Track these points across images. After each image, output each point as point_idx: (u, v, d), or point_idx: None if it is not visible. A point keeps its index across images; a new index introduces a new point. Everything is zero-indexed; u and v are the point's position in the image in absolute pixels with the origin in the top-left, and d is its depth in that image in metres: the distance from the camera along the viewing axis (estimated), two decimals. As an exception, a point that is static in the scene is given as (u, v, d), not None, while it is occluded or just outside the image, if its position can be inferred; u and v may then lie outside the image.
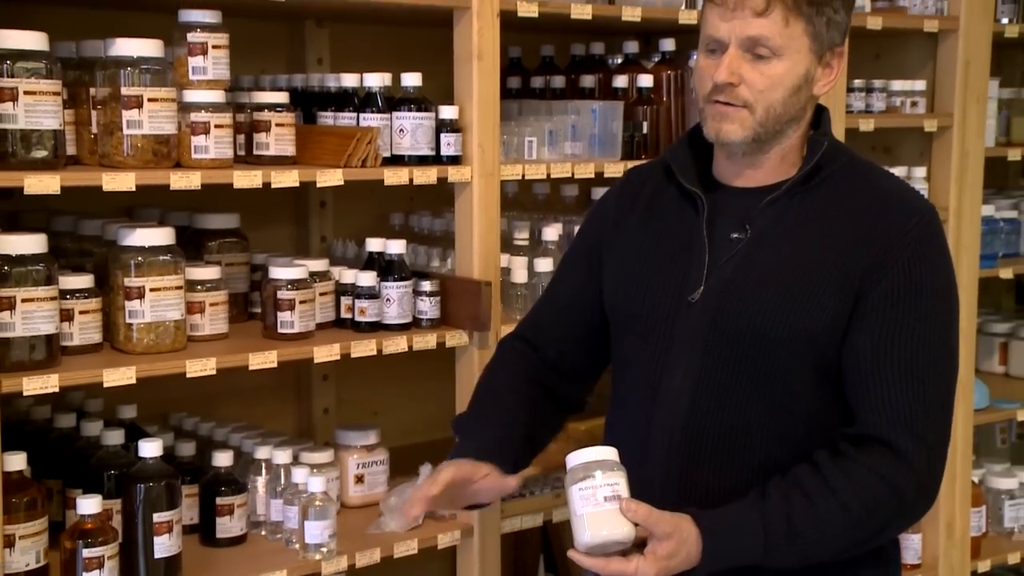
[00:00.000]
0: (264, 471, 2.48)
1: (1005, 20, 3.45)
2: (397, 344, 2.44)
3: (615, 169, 2.67)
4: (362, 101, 2.46)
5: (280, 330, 2.36)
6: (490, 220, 2.52)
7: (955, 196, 3.26)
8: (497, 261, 2.55)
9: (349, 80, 2.50)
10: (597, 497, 1.61)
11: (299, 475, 2.38)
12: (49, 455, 2.33)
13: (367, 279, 2.46)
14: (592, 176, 2.67)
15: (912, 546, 3.28)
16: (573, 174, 2.64)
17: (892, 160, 3.36)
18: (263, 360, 2.27)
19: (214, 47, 2.24)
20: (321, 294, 2.45)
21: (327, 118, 2.50)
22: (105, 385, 2.09)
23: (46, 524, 2.13)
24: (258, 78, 2.67)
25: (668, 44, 2.89)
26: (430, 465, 2.57)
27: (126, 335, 2.20)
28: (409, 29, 2.90)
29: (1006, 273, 3.46)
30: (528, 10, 2.52)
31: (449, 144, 2.46)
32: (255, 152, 2.35)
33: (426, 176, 2.43)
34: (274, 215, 2.85)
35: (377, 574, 2.62)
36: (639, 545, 1.62)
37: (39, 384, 2.02)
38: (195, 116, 2.21)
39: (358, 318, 2.46)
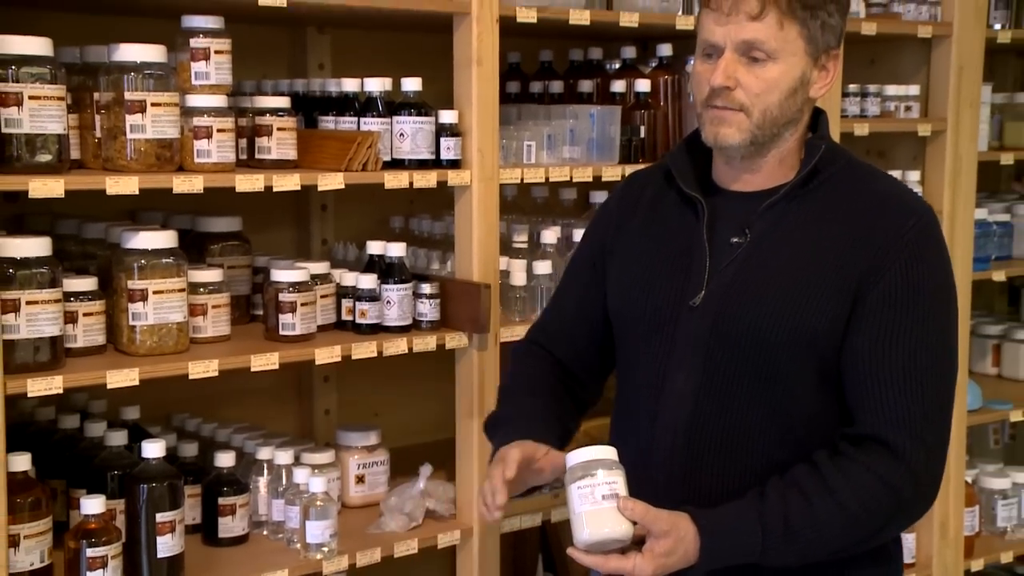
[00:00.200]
0: (266, 471, 2.48)
1: (997, 26, 3.45)
2: (397, 346, 2.43)
3: (613, 173, 2.67)
4: (363, 106, 2.46)
5: (282, 332, 2.36)
6: (489, 223, 2.52)
7: (948, 200, 3.26)
8: (496, 264, 2.54)
9: (350, 85, 2.50)
10: (595, 495, 1.61)
11: (300, 475, 2.38)
12: (53, 456, 2.33)
13: (368, 282, 2.46)
14: (590, 180, 2.67)
15: (906, 545, 3.27)
16: (571, 178, 2.64)
17: (886, 164, 3.36)
18: (265, 362, 2.26)
19: (216, 52, 2.24)
20: (322, 296, 2.45)
21: (328, 122, 2.50)
22: (108, 386, 2.09)
23: (50, 524, 2.13)
24: (260, 83, 2.67)
25: (665, 49, 2.89)
26: (430, 466, 2.58)
27: (129, 337, 2.20)
28: (409, 35, 2.90)
29: (999, 276, 3.46)
30: (527, 16, 2.52)
31: (449, 148, 2.46)
32: (257, 156, 2.35)
33: (426, 180, 2.43)
34: (276, 218, 2.85)
35: (377, 574, 2.62)
36: (638, 543, 1.62)
37: (43, 385, 2.02)
38: (198, 120, 2.20)
39: (359, 320, 2.46)
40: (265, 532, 2.46)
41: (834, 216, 1.72)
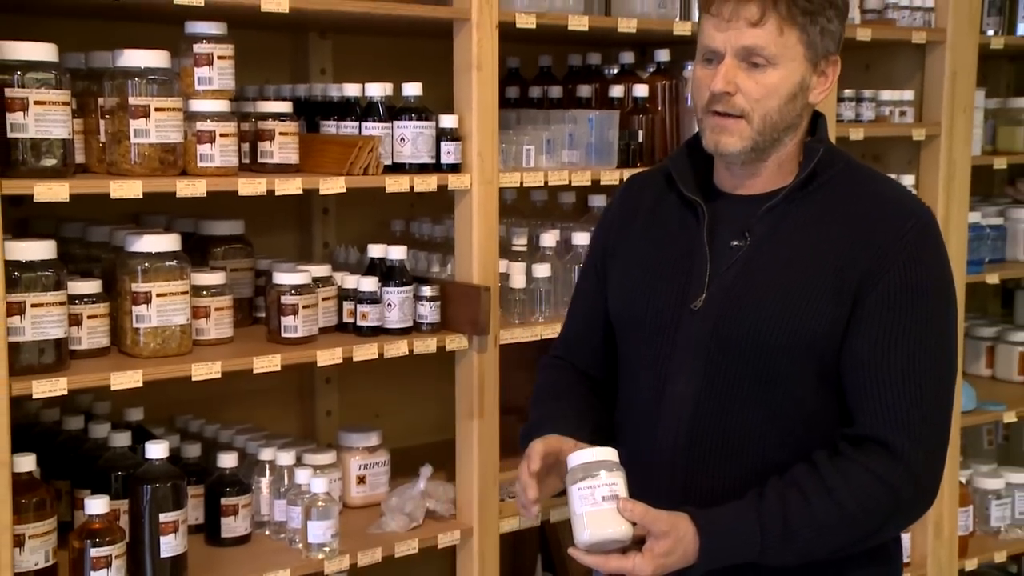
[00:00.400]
0: (268, 472, 2.48)
1: (991, 32, 3.45)
2: (398, 348, 2.43)
3: (611, 177, 2.67)
4: (364, 110, 2.46)
5: (284, 334, 2.36)
6: (489, 227, 2.52)
7: (943, 203, 3.26)
8: (496, 266, 2.54)
9: (351, 90, 2.50)
10: (595, 496, 1.61)
11: (302, 476, 2.38)
12: (58, 456, 2.33)
13: (369, 284, 2.46)
14: (589, 184, 2.67)
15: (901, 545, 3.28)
16: (570, 182, 2.64)
17: (881, 168, 3.32)
18: (267, 364, 2.26)
19: (219, 58, 2.24)
20: (324, 299, 2.45)
21: (330, 127, 2.50)
22: (112, 388, 2.09)
23: (55, 524, 2.13)
24: (262, 88, 2.67)
25: (663, 55, 2.89)
26: (430, 466, 2.58)
27: (133, 339, 2.20)
28: (410, 40, 2.90)
29: (992, 278, 3.46)
30: (526, 21, 2.52)
31: (449, 152, 2.46)
32: (259, 160, 2.35)
33: (426, 184, 2.43)
34: (278, 222, 2.85)
35: (378, 573, 2.62)
36: (638, 543, 1.62)
37: (48, 387, 2.02)
38: (201, 125, 2.21)
39: (360, 322, 2.46)
40: (267, 532, 2.46)
41: (833, 218, 1.71)
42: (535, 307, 2.63)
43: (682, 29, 2.75)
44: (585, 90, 2.89)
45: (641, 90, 2.80)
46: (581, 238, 2.66)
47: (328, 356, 2.34)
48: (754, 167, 1.75)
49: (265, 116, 2.35)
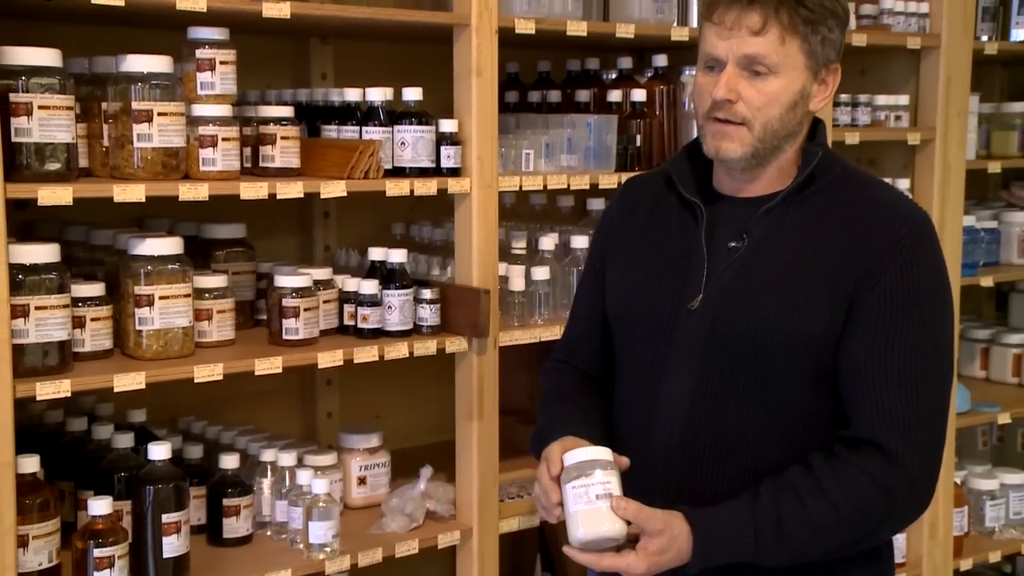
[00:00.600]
0: (269, 473, 2.48)
1: (985, 38, 3.45)
2: (398, 350, 2.43)
3: (610, 181, 2.67)
4: (365, 115, 2.46)
5: (285, 336, 2.36)
6: (488, 230, 2.52)
7: (938, 207, 3.26)
8: (495, 270, 2.54)
9: (352, 95, 2.50)
10: (589, 495, 1.61)
11: (303, 477, 2.38)
12: (61, 458, 2.33)
13: (369, 287, 2.46)
14: (587, 188, 2.67)
15: (896, 545, 3.28)
16: (569, 185, 2.64)
17: (876, 172, 3.36)
18: (269, 366, 2.26)
19: (222, 63, 2.24)
20: (325, 302, 2.45)
21: (331, 131, 2.50)
22: (116, 390, 2.09)
23: (58, 525, 2.13)
24: (264, 93, 2.67)
25: (661, 60, 2.89)
26: (431, 467, 2.58)
27: (136, 341, 2.20)
28: (410, 46, 2.90)
29: (987, 281, 3.46)
30: (525, 27, 2.52)
31: (449, 156, 2.46)
32: (261, 164, 2.35)
33: (426, 187, 2.43)
34: (279, 225, 2.85)
35: (379, 574, 2.62)
36: (633, 541, 1.62)
37: (52, 389, 2.02)
38: (203, 129, 2.20)
39: (361, 325, 2.45)
40: (269, 533, 2.46)
41: (831, 222, 1.71)
42: (534, 309, 2.63)
43: (680, 35, 2.75)
44: (584, 95, 2.89)
45: (639, 95, 2.80)
46: (580, 241, 2.66)
47: (329, 358, 2.34)
48: (754, 172, 1.75)
49: (267, 120, 2.35)
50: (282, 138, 2.34)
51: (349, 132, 2.46)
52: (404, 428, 3.01)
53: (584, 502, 1.61)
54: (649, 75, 2.92)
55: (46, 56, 2.02)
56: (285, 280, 2.38)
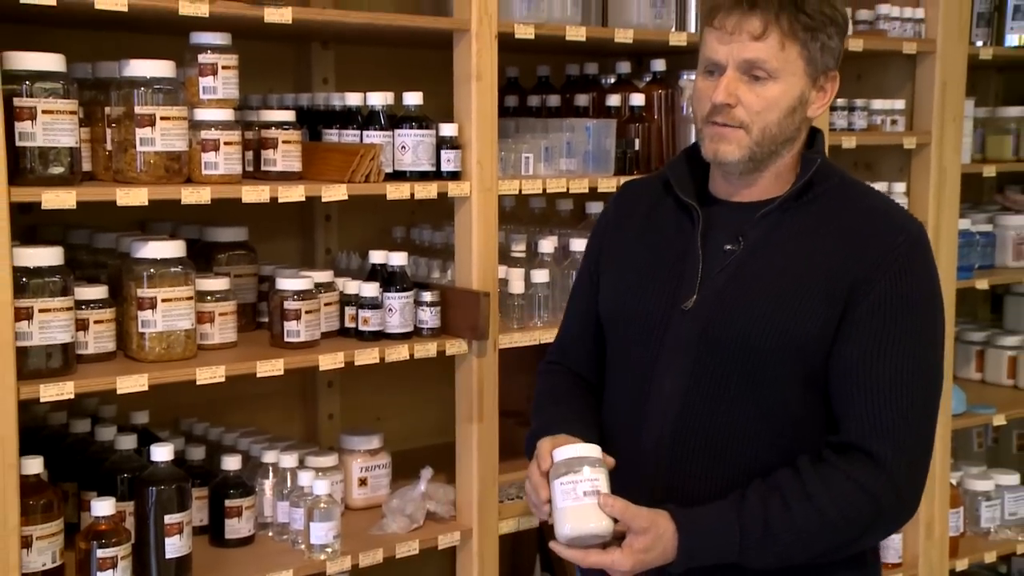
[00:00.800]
0: (271, 474, 2.48)
1: (980, 43, 3.45)
2: (399, 352, 2.43)
3: (608, 184, 2.67)
4: (365, 119, 2.46)
5: (287, 339, 2.36)
6: (488, 233, 2.52)
7: (933, 211, 3.26)
8: (495, 272, 2.54)
9: (353, 99, 2.50)
10: (577, 492, 1.61)
11: (305, 478, 2.38)
12: (65, 459, 2.33)
13: (370, 290, 2.46)
14: (586, 191, 2.67)
15: (893, 545, 3.28)
16: (568, 189, 2.64)
17: (873, 176, 3.36)
18: (270, 368, 2.26)
19: (224, 68, 2.24)
20: (326, 304, 2.45)
21: (332, 135, 2.50)
22: (119, 392, 2.09)
23: (62, 525, 2.13)
24: (266, 97, 2.67)
25: (659, 64, 2.89)
26: (431, 469, 2.57)
27: (139, 344, 2.20)
28: (411, 50, 2.90)
29: (982, 284, 3.46)
30: (525, 32, 2.52)
31: (449, 160, 2.46)
32: (263, 168, 2.35)
33: (427, 191, 2.43)
34: (281, 228, 2.85)
35: (380, 574, 2.62)
36: (619, 538, 1.62)
37: (55, 391, 2.02)
38: (205, 134, 2.20)
39: (361, 327, 2.45)
40: (270, 533, 2.46)
41: (827, 229, 1.71)
42: (534, 312, 2.63)
43: (678, 40, 2.75)
44: (583, 99, 2.89)
45: (637, 99, 2.80)
46: (579, 244, 2.66)
47: (330, 360, 2.34)
48: (751, 177, 1.75)
49: (268, 125, 2.35)
50: (284, 142, 2.34)
51: (350, 136, 2.46)
52: (404, 430, 3.01)
53: (572, 499, 1.61)
54: (647, 80, 2.92)
55: (50, 61, 2.02)
56: (286, 283, 2.38)
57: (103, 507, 2.08)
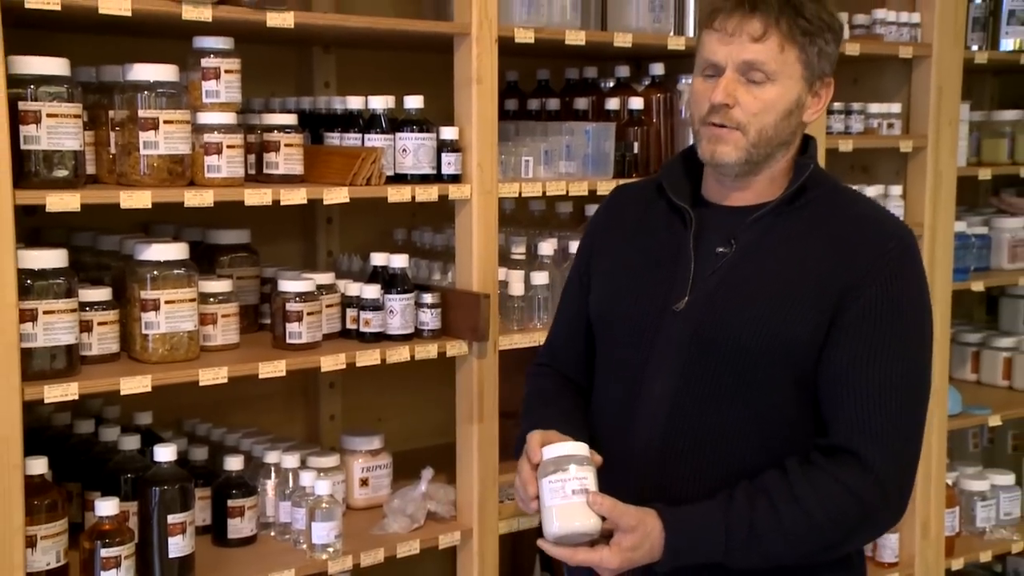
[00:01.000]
0: (273, 475, 2.48)
1: (975, 47, 3.46)
2: (400, 354, 2.43)
3: (607, 187, 2.66)
4: (367, 123, 2.46)
5: (288, 340, 2.36)
6: (488, 235, 2.52)
7: (929, 213, 3.26)
8: (495, 274, 2.54)
9: (354, 103, 2.50)
10: (566, 490, 1.61)
11: (306, 478, 2.38)
12: (69, 459, 2.33)
13: (371, 292, 2.46)
14: (585, 194, 2.67)
15: (889, 545, 3.28)
16: (567, 192, 2.64)
17: (869, 179, 3.36)
18: (272, 369, 2.26)
19: (226, 72, 2.24)
20: (328, 306, 2.45)
21: (333, 139, 2.50)
22: (122, 393, 2.09)
23: (66, 525, 2.13)
24: (268, 101, 2.67)
25: (658, 68, 2.89)
26: (431, 469, 2.57)
27: (142, 345, 2.20)
28: (412, 54, 2.90)
29: (977, 286, 3.46)
30: (525, 36, 2.52)
31: (449, 163, 2.46)
32: (265, 171, 2.35)
33: (427, 194, 2.43)
34: (283, 231, 2.85)
35: (381, 573, 2.62)
36: (607, 537, 1.62)
37: (59, 392, 2.02)
38: (208, 137, 2.21)
39: (363, 329, 2.45)
40: (272, 533, 2.46)
41: (818, 235, 1.71)
42: (533, 314, 2.63)
43: (676, 44, 2.75)
44: (582, 103, 2.89)
45: (636, 103, 2.80)
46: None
47: (332, 362, 2.34)
48: (745, 180, 1.75)
49: (271, 128, 2.35)
50: (286, 145, 2.34)
51: (351, 139, 2.46)
52: (405, 430, 3.01)
53: (560, 497, 1.61)
54: (646, 83, 2.92)
55: (54, 65, 2.02)
56: (288, 285, 2.38)
57: (107, 507, 2.08)
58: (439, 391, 2.74)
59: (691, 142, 1.81)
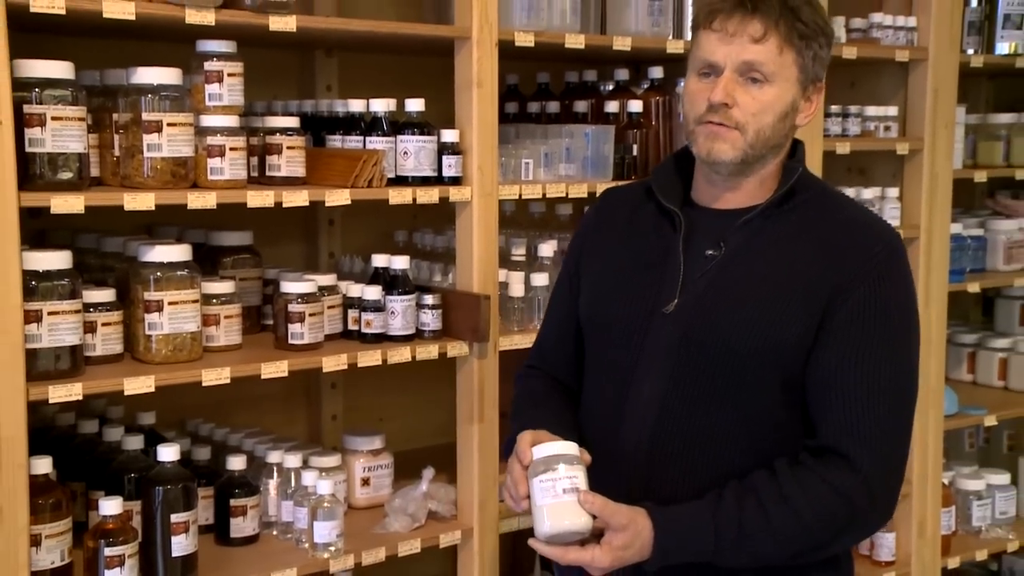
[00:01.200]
0: (275, 474, 2.48)
1: (971, 51, 3.46)
2: (401, 354, 2.43)
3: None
4: (368, 125, 2.46)
5: (291, 341, 2.36)
6: (489, 237, 2.52)
7: (926, 215, 3.26)
8: (495, 276, 2.54)
9: (356, 106, 2.50)
10: (556, 489, 1.61)
11: (308, 478, 2.38)
12: (73, 459, 2.33)
13: (373, 293, 2.46)
14: (585, 196, 2.67)
15: (886, 544, 3.28)
16: (567, 194, 2.64)
17: (867, 181, 3.36)
18: (274, 369, 2.26)
19: (229, 75, 2.24)
20: (329, 307, 2.45)
21: (335, 141, 2.50)
22: (126, 393, 2.09)
23: (70, 524, 2.12)
24: (270, 104, 2.67)
25: (656, 71, 2.89)
26: (432, 469, 2.57)
27: (145, 346, 2.20)
28: (413, 58, 2.90)
29: (973, 287, 3.46)
30: (525, 40, 2.52)
31: (450, 166, 2.47)
32: (267, 173, 2.36)
33: (428, 196, 2.43)
34: (285, 232, 2.85)
35: (382, 572, 2.62)
36: (597, 536, 1.62)
37: (64, 392, 2.02)
38: (211, 140, 2.21)
39: (364, 330, 2.45)
40: (275, 532, 2.46)
41: (807, 238, 1.71)
42: (533, 315, 2.63)
43: (675, 47, 2.75)
44: (581, 105, 2.89)
45: (636, 105, 2.80)
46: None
47: (333, 362, 2.34)
48: (736, 181, 1.75)
49: (273, 131, 2.35)
50: (288, 148, 2.34)
51: (353, 142, 2.46)
52: (407, 430, 3.01)
53: (551, 496, 1.61)
54: (645, 86, 2.93)
55: (59, 69, 2.02)
56: (291, 286, 2.38)
57: (110, 506, 2.08)
58: (440, 391, 2.74)
59: (682, 146, 1.81)
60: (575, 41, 2.59)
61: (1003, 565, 3.82)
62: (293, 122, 2.38)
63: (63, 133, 2.00)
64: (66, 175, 2.02)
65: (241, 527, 2.38)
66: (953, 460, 3.67)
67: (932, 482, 3.33)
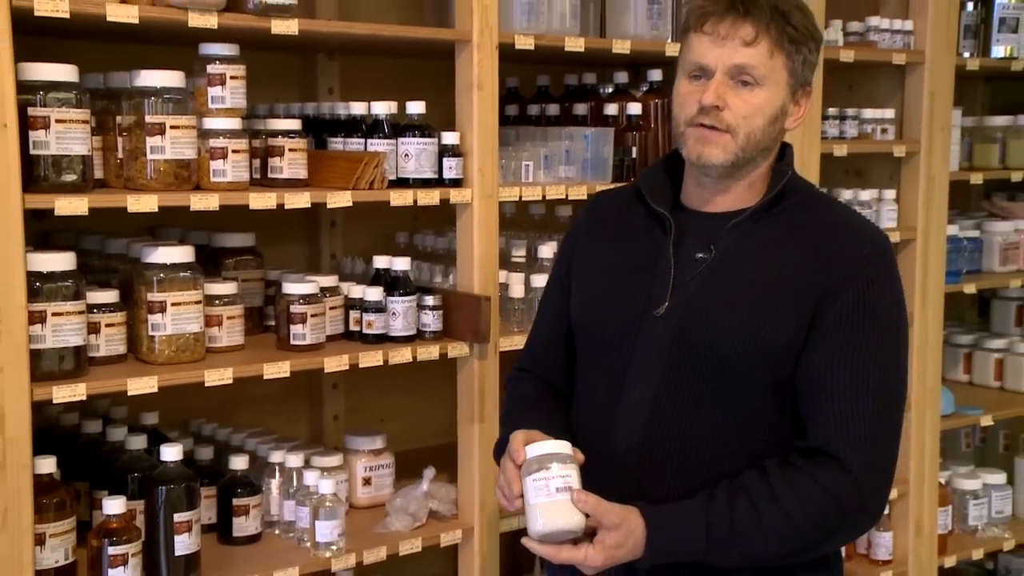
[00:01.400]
0: (278, 474, 2.48)
1: (967, 54, 3.46)
2: (402, 355, 2.43)
3: (606, 191, 2.67)
4: (370, 128, 2.47)
5: (293, 342, 2.36)
6: (489, 239, 2.52)
7: (922, 217, 3.26)
8: (496, 277, 2.54)
9: (358, 108, 2.50)
10: (550, 488, 1.60)
11: (310, 478, 2.38)
12: (77, 459, 2.33)
13: (374, 294, 2.46)
14: (584, 198, 2.67)
15: (883, 543, 3.28)
16: (567, 196, 2.64)
17: (864, 183, 3.36)
18: (277, 370, 2.26)
19: (232, 78, 2.25)
20: (331, 308, 2.45)
21: (337, 143, 2.50)
22: (129, 393, 2.09)
23: (74, 523, 2.12)
24: (273, 106, 2.67)
25: (656, 74, 2.89)
26: (433, 468, 2.57)
27: (149, 346, 2.20)
28: (414, 61, 2.90)
29: (970, 288, 3.46)
30: (525, 43, 2.52)
31: (451, 168, 2.47)
32: (270, 175, 2.36)
33: (429, 198, 2.43)
34: (287, 234, 2.85)
35: (383, 571, 2.62)
36: (590, 534, 1.61)
37: (68, 392, 2.02)
38: (214, 142, 2.21)
39: (366, 330, 2.45)
40: (277, 531, 2.46)
41: (796, 241, 1.71)
42: (533, 316, 2.62)
43: (674, 50, 2.74)
44: (581, 108, 2.89)
45: (635, 108, 2.80)
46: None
47: (335, 363, 2.34)
48: (725, 184, 1.75)
49: (275, 133, 2.35)
50: (290, 150, 2.34)
51: (355, 144, 2.46)
52: (408, 430, 3.01)
53: (544, 495, 1.60)
54: (644, 89, 2.92)
55: (63, 72, 2.02)
56: (293, 287, 2.38)
57: (114, 505, 2.08)
58: (441, 392, 2.74)
59: (672, 150, 1.81)
60: (575, 44, 2.59)
61: (999, 564, 3.82)
62: (295, 124, 2.38)
63: (67, 136, 2.00)
64: (70, 177, 2.02)
65: (243, 526, 2.38)
66: (949, 460, 3.67)
67: (929, 482, 3.33)
